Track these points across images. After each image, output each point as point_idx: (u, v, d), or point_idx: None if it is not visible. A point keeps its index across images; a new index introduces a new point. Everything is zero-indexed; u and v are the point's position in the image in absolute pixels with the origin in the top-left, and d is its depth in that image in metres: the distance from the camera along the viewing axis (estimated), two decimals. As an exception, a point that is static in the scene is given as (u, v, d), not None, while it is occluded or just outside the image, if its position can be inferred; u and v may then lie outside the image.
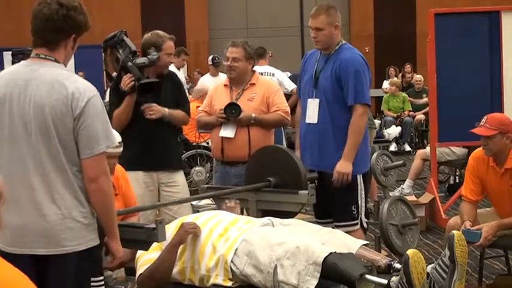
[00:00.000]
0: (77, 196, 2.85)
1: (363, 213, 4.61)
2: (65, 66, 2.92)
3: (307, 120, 4.66)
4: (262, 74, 8.19)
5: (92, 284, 2.97)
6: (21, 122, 2.82)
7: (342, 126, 4.54)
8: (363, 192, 4.61)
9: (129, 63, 4.68)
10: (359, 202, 4.58)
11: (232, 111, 4.91)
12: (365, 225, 4.65)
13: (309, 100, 4.65)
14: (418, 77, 13.89)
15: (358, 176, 4.59)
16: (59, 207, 2.82)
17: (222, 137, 4.98)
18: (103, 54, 5.03)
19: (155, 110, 4.78)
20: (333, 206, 4.60)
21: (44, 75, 2.83)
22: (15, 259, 2.77)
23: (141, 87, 4.67)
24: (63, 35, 2.87)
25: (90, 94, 2.83)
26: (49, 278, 2.84)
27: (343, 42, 4.70)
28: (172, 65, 10.28)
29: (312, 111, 4.62)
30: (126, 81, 4.70)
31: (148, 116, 4.78)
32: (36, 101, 2.80)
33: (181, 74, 10.31)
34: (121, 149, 4.08)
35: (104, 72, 14.21)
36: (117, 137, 3.99)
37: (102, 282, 3.06)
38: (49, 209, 2.81)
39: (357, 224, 4.56)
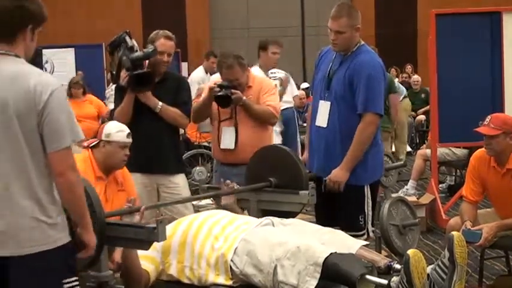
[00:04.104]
0: (37, 196, 2.75)
1: (370, 222, 4.46)
2: (27, 60, 2.85)
3: (317, 123, 4.46)
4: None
5: (64, 286, 2.80)
6: None
7: (350, 134, 4.31)
8: (370, 202, 4.44)
9: (124, 58, 4.68)
10: (366, 211, 4.42)
11: (224, 101, 4.87)
12: (371, 234, 4.49)
13: (321, 102, 4.45)
14: (415, 77, 13.89)
15: (366, 187, 4.41)
16: (19, 208, 2.72)
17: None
18: (110, 57, 5.02)
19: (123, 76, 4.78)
20: (339, 216, 4.40)
21: (5, 71, 2.75)
22: None
23: (133, 78, 4.66)
24: (19, 26, 2.80)
25: (53, 87, 2.75)
26: (11, 281, 2.72)
27: (362, 43, 4.43)
28: (201, 67, 10.02)
29: (323, 114, 4.42)
30: (123, 76, 4.73)
31: (121, 81, 4.77)
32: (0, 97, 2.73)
33: (208, 78, 9.97)
34: (130, 140, 4.25)
35: (105, 71, 14.28)
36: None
37: (76, 283, 2.85)
38: (8, 209, 2.72)
39: (364, 234, 4.40)
